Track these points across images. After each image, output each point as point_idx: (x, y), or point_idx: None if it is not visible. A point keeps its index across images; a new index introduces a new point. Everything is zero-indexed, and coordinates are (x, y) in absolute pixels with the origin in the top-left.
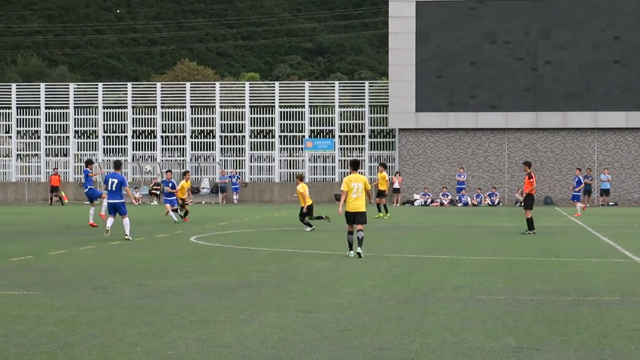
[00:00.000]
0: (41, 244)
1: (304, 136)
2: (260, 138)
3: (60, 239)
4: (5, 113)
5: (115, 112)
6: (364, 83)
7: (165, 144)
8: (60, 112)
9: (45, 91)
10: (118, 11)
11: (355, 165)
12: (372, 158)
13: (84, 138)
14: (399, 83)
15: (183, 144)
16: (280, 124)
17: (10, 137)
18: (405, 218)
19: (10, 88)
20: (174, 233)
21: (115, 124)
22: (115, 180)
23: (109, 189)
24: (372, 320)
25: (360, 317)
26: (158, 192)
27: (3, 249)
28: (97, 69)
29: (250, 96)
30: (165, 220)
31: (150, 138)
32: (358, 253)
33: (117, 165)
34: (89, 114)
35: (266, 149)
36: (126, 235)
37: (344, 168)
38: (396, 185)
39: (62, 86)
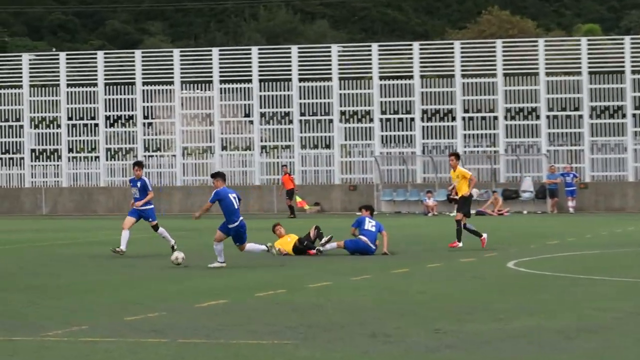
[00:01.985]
0: (295, 273)
1: None
2: (603, 118)
3: (321, 265)
4: (245, 88)
5: (397, 85)
6: None
7: (468, 129)
8: (321, 86)
9: (299, 56)
10: None
11: None
12: None
13: (353, 122)
14: None
15: (494, 129)
16: (635, 96)
17: (252, 122)
18: None
19: (251, 53)
20: (484, 256)
21: (398, 101)
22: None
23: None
24: None
25: None
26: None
27: (246, 279)
28: (369, 24)
29: (588, 58)
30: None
31: (447, 121)
32: None
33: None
34: (359, 88)
35: (614, 134)
36: None
37: None
38: None
39: (321, 49)
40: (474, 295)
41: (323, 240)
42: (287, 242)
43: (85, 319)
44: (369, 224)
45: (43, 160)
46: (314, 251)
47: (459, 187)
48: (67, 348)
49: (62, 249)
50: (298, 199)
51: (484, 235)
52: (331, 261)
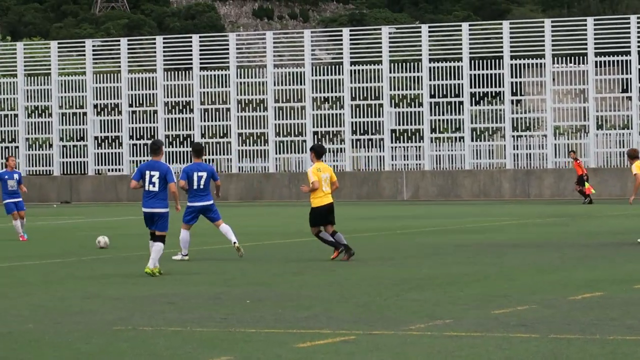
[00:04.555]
0: None
1: None
2: None
3: None
4: (622, 61)
5: None
6: None
7: None
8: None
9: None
10: None
11: None
12: None
13: None
14: None
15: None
16: None
17: (630, 98)
18: None
19: (629, 22)
20: None
21: None
22: (204, 174)
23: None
24: None
25: None
26: None
27: (623, 270)
28: None
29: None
30: None
31: None
32: None
33: (198, 151)
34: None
35: None
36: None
37: None
38: None
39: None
40: None
41: None
42: None
43: (449, 312)
44: None
45: (403, 142)
46: None
47: None
48: (430, 343)
49: (424, 237)
50: (587, 185)
51: None
52: None
